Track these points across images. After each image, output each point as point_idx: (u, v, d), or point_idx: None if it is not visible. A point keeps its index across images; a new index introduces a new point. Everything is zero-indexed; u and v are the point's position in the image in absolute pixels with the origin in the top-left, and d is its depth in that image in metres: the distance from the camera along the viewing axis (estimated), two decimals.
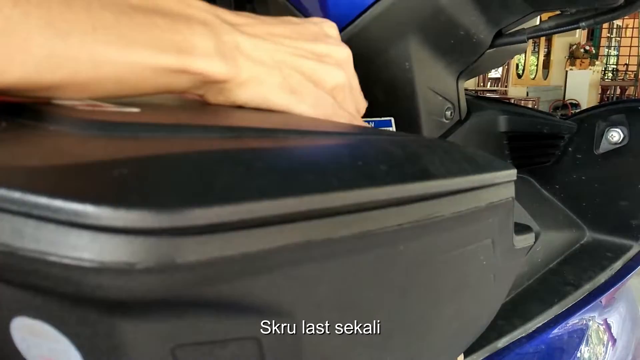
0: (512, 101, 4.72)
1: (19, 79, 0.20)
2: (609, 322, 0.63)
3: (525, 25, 0.57)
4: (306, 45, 0.30)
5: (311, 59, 0.30)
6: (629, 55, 8.66)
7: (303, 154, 0.20)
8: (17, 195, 0.13)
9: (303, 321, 0.17)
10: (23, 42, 0.19)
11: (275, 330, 0.16)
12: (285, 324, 0.16)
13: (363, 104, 0.35)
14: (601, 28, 8.36)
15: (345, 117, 0.31)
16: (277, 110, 0.29)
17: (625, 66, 8.67)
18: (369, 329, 0.20)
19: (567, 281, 0.58)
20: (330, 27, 0.33)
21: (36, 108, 0.21)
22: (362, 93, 0.34)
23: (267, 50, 0.28)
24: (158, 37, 0.23)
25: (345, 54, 0.32)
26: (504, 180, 0.25)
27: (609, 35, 9.11)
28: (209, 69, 0.25)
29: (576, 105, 6.65)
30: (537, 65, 7.54)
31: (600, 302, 0.59)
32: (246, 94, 0.28)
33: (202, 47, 0.25)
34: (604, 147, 0.61)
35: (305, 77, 0.30)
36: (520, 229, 0.29)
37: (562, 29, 0.54)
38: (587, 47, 7.48)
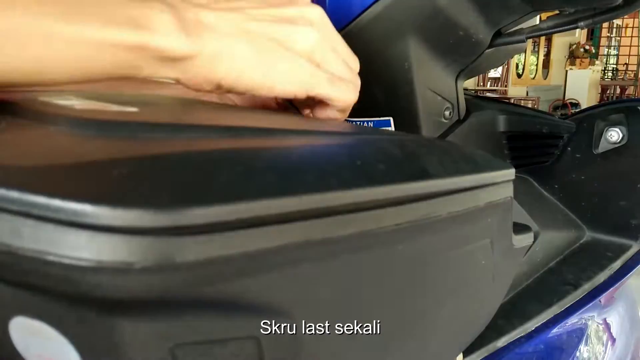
0: (512, 101, 4.72)
1: None
2: (608, 321, 0.63)
3: (525, 25, 0.57)
4: (273, 12, 0.29)
5: (280, 23, 0.29)
6: (629, 55, 8.66)
7: (302, 153, 0.20)
8: (15, 194, 0.13)
9: (302, 320, 0.17)
10: None
11: (274, 329, 0.16)
12: (285, 324, 0.16)
13: (354, 60, 0.33)
14: (601, 27, 8.37)
15: (325, 78, 0.30)
16: (253, 84, 0.28)
17: (625, 66, 8.67)
18: (367, 329, 0.20)
19: (566, 281, 0.58)
20: (311, 12, 0.31)
21: (35, 108, 0.21)
22: (349, 49, 0.33)
23: (232, 20, 0.27)
24: (112, 11, 0.22)
25: (316, 13, 0.30)
26: (502, 179, 0.25)
27: (608, 34, 9.11)
28: (170, 45, 0.24)
29: (576, 104, 6.66)
30: (536, 64, 7.54)
31: (600, 301, 0.60)
32: (220, 70, 0.26)
33: (161, 22, 0.24)
34: (603, 146, 0.61)
35: (277, 42, 0.28)
36: (519, 228, 0.29)
37: (561, 28, 0.54)
38: (587, 47, 7.48)
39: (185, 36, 0.24)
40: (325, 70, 0.31)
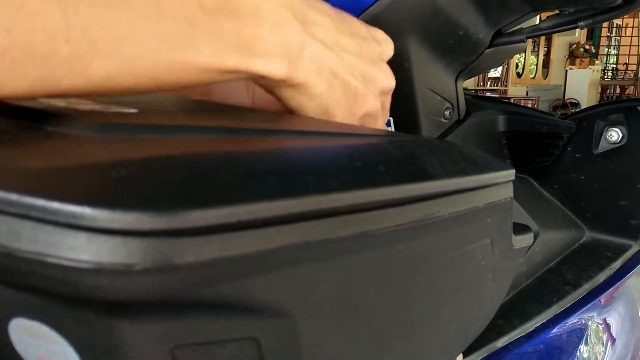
0: (512, 101, 4.72)
1: (76, 94, 0.20)
2: (608, 321, 0.63)
3: (524, 25, 0.57)
4: (361, 66, 0.30)
5: (359, 81, 0.30)
6: (629, 55, 8.67)
7: (301, 154, 0.20)
8: (14, 196, 0.13)
9: (302, 321, 0.17)
10: (86, 68, 0.19)
11: (274, 330, 0.16)
12: (284, 325, 0.16)
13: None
14: (601, 27, 8.37)
15: (381, 123, 0.33)
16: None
17: (625, 65, 8.67)
18: (367, 329, 0.20)
19: (566, 281, 0.58)
20: (389, 50, 0.33)
21: (34, 109, 0.21)
22: (385, 123, 0.35)
23: (327, 61, 0.28)
24: (223, 42, 0.23)
25: (390, 84, 0.33)
26: (502, 180, 0.25)
27: (608, 34, 9.11)
28: (269, 70, 0.25)
29: (576, 104, 6.66)
30: (536, 64, 7.54)
31: (600, 301, 0.60)
32: (289, 95, 0.28)
33: (266, 48, 0.24)
34: (603, 146, 0.61)
35: (346, 98, 0.30)
36: (519, 228, 0.29)
37: (560, 28, 0.54)
38: (587, 47, 7.49)
39: (285, 63, 0.25)
40: (383, 115, 0.34)
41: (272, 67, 0.25)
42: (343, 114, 0.30)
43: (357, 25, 0.31)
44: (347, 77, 0.29)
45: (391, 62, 0.46)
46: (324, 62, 0.28)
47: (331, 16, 0.29)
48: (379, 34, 0.33)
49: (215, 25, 0.23)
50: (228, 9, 0.23)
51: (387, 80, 0.32)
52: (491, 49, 0.56)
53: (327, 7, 0.29)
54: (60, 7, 0.18)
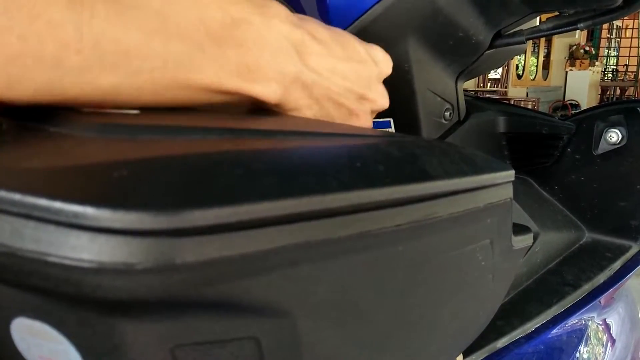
0: (512, 102, 4.72)
1: (82, 104, 0.21)
2: (608, 322, 0.63)
3: (525, 26, 0.57)
4: (356, 89, 0.31)
5: (353, 104, 0.31)
6: (629, 56, 8.66)
7: (301, 155, 0.20)
8: (17, 196, 0.13)
9: (302, 321, 0.17)
10: (94, 79, 0.20)
11: (274, 330, 0.16)
12: (285, 324, 0.17)
13: None
14: (601, 29, 8.36)
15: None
16: None
17: (625, 67, 8.67)
18: (367, 329, 0.20)
19: (566, 281, 0.58)
20: (387, 68, 0.34)
21: (36, 110, 0.21)
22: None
23: (320, 88, 0.29)
24: (225, 68, 0.24)
25: (384, 105, 0.34)
26: (502, 181, 0.25)
27: (608, 35, 9.11)
28: (265, 95, 0.26)
29: (576, 105, 6.66)
30: (536, 65, 7.54)
31: (599, 302, 0.60)
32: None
33: (265, 74, 0.26)
34: (602, 147, 0.61)
35: (339, 117, 0.31)
36: (519, 229, 0.29)
37: (560, 29, 0.54)
38: (587, 48, 7.48)
39: (279, 90, 0.27)
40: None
41: (267, 91, 0.26)
42: None
43: (355, 48, 0.32)
44: (340, 100, 0.31)
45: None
46: (315, 89, 0.29)
47: (329, 45, 0.30)
48: (378, 53, 0.33)
49: (220, 52, 0.24)
50: (233, 38, 0.24)
51: (381, 102, 0.34)
52: (491, 50, 0.56)
53: (327, 34, 0.30)
54: (75, 19, 0.19)
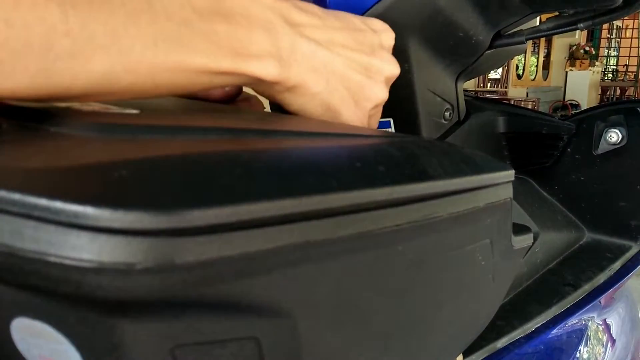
0: (512, 102, 4.72)
1: (78, 93, 0.21)
2: (608, 322, 0.63)
3: (525, 26, 0.57)
4: (361, 58, 0.30)
5: (362, 74, 0.30)
6: (629, 56, 8.67)
7: (302, 155, 0.20)
8: (17, 196, 0.13)
9: (302, 321, 0.17)
10: (86, 62, 0.20)
11: (274, 330, 0.16)
12: (285, 324, 0.17)
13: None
14: (601, 29, 8.37)
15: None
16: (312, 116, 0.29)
17: (625, 67, 8.67)
18: (367, 329, 0.20)
19: (566, 282, 0.58)
20: (388, 38, 0.33)
21: (36, 109, 0.21)
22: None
23: (322, 58, 0.28)
24: (217, 44, 0.23)
25: (395, 71, 0.32)
26: (502, 181, 0.25)
27: (608, 36, 9.11)
28: (262, 72, 0.25)
29: (576, 106, 6.66)
30: (537, 66, 7.54)
31: (600, 302, 0.59)
32: (288, 98, 0.28)
33: (259, 50, 0.25)
34: (602, 147, 0.61)
35: (350, 92, 0.30)
36: (519, 229, 0.29)
37: (560, 30, 0.54)
38: (587, 48, 7.49)
39: (277, 65, 0.26)
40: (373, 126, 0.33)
41: (265, 68, 0.25)
42: (349, 109, 0.30)
43: (350, 18, 0.31)
44: (347, 72, 0.29)
45: None
46: (317, 60, 0.28)
47: (320, 15, 0.29)
48: (376, 23, 0.32)
49: (209, 27, 0.23)
50: (220, 12, 0.24)
51: (391, 68, 0.32)
52: (491, 51, 0.56)
53: (314, 7, 0.29)
54: (58, 2, 0.19)
